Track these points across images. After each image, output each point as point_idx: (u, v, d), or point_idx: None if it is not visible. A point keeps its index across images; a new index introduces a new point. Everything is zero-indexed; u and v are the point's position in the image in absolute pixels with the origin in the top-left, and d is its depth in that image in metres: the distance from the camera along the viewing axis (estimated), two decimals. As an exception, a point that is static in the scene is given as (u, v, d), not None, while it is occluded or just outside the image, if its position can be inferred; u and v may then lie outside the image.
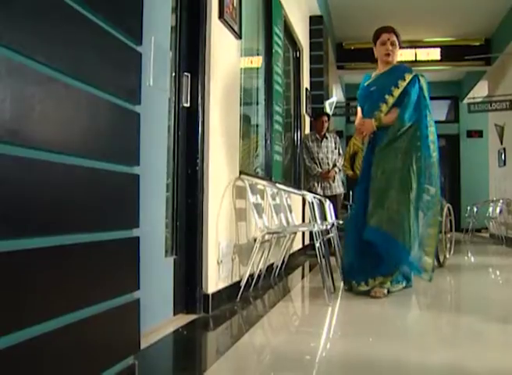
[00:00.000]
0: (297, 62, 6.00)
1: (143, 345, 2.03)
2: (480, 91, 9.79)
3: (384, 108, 3.30)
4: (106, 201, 1.44)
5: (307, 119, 6.31)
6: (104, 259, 1.42)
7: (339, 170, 5.98)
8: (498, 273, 4.89)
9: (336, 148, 5.96)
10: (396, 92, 3.27)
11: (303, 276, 4.48)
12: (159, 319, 2.35)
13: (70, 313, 1.25)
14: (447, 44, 8.82)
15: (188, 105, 2.65)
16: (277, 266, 4.04)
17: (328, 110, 6.81)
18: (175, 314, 2.52)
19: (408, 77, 3.30)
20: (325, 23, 6.72)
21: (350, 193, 8.91)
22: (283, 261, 4.31)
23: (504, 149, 8.83)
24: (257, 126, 4.35)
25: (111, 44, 1.43)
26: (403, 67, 3.47)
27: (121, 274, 1.50)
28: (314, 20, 6.54)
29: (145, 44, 2.21)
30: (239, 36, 3.23)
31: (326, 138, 5.96)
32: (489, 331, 2.46)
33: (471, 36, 8.67)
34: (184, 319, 2.53)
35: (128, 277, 1.54)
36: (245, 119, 4.11)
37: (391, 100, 3.28)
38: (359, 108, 3.55)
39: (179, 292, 2.56)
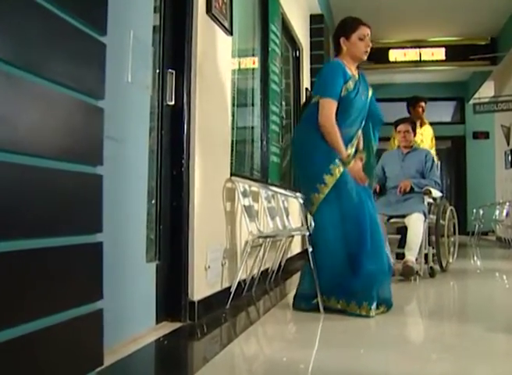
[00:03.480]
0: (297, 61, 5.88)
1: (119, 356, 1.92)
2: (486, 91, 9.61)
3: (373, 143, 3.05)
4: (65, 204, 1.32)
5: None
6: (63, 266, 1.31)
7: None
8: (504, 277, 4.73)
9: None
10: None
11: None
12: (140, 328, 2.23)
13: (19, 326, 1.14)
14: (452, 44, 8.66)
15: (173, 103, 2.54)
16: (273, 271, 3.92)
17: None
18: (158, 322, 2.40)
19: (370, 92, 3.04)
20: (326, 21, 6.60)
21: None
22: (280, 265, 4.19)
23: (511, 150, 8.66)
24: (252, 126, 4.23)
25: (69, 33, 1.32)
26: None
27: (82, 282, 1.38)
28: (315, 19, 6.42)
29: (123, 38, 2.11)
30: (229, 32, 3.11)
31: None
32: (494, 341, 2.30)
33: (476, 35, 8.51)
34: (168, 327, 2.41)
35: (90, 286, 1.42)
36: (239, 119, 4.00)
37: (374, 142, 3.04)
38: (334, 101, 2.79)
39: (163, 299, 2.44)
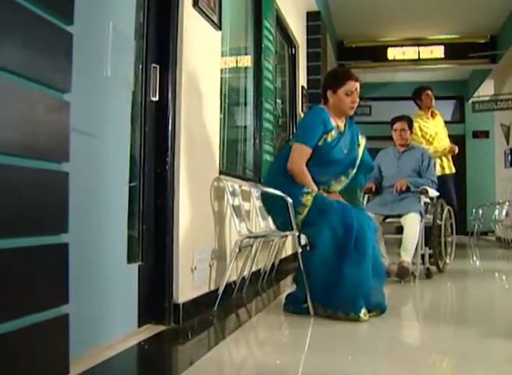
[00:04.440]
0: (293, 58, 5.79)
1: (93, 363, 1.84)
2: (486, 90, 9.52)
3: (360, 186, 3.03)
4: (26, 203, 1.24)
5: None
6: (23, 268, 1.23)
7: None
8: (504, 278, 4.64)
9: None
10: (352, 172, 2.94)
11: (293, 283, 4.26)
12: (120, 332, 2.15)
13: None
14: (451, 42, 8.57)
15: (157, 98, 2.46)
16: (265, 272, 3.84)
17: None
18: (140, 325, 2.32)
19: (362, 142, 2.99)
20: (323, 19, 6.51)
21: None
22: (273, 266, 4.11)
23: (511, 150, 8.57)
24: (245, 125, 4.15)
25: (28, 21, 1.24)
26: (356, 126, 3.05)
27: (45, 286, 1.30)
28: (312, 16, 6.33)
29: (102, 30, 2.03)
30: (218, 27, 3.03)
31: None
32: (492, 347, 2.20)
33: (475, 33, 8.41)
34: (150, 330, 2.33)
35: (54, 289, 1.34)
36: (231, 117, 3.92)
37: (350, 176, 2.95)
38: (308, 149, 2.76)
39: (146, 301, 2.36)
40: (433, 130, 5.07)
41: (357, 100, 2.89)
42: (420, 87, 5.27)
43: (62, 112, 1.36)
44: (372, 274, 2.59)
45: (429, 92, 5.13)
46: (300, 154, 2.77)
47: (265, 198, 2.96)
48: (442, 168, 5.14)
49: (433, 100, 5.15)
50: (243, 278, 3.33)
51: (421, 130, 5.04)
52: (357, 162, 2.92)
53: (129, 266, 2.26)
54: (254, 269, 3.60)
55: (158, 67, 2.46)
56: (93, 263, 1.97)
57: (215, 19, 2.95)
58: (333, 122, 2.86)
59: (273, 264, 4.07)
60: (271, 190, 2.80)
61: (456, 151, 5.22)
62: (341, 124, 2.91)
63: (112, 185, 2.11)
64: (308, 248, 2.65)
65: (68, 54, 1.37)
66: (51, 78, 1.31)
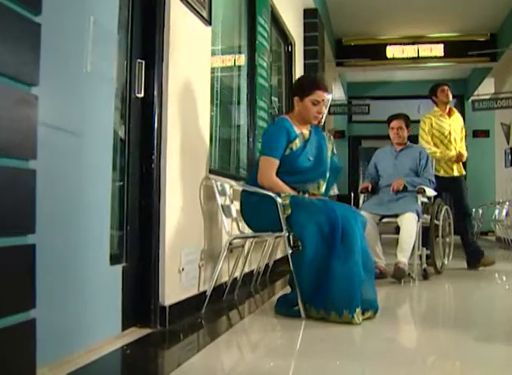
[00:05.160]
0: (289, 56, 5.72)
1: (73, 367, 1.77)
2: (486, 89, 9.44)
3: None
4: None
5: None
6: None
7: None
8: (504, 279, 4.56)
9: (329, 148, 5.65)
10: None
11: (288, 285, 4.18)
12: (102, 336, 2.08)
13: None
14: (451, 40, 8.50)
15: (142, 95, 2.39)
16: (258, 273, 3.76)
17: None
18: (124, 329, 2.24)
19: (330, 147, 2.99)
20: (320, 16, 6.44)
21: (352, 195, 8.65)
22: (267, 267, 4.04)
23: (511, 149, 8.49)
24: (238, 124, 4.08)
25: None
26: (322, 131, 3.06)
27: (9, 289, 1.23)
28: (309, 13, 6.26)
29: (81, 23, 1.97)
30: (208, 22, 2.96)
31: (319, 137, 5.65)
32: (492, 350, 2.12)
33: (475, 31, 8.34)
34: (135, 334, 2.26)
35: (19, 293, 1.27)
36: (223, 115, 3.85)
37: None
38: (274, 160, 2.78)
39: (130, 304, 2.28)
40: (446, 130, 4.87)
41: (324, 111, 2.89)
42: (436, 83, 5.08)
43: (29, 106, 1.29)
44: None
45: (445, 87, 4.92)
46: (268, 166, 2.78)
47: (248, 201, 2.89)
48: (452, 170, 4.97)
49: (450, 96, 4.93)
50: (235, 279, 3.26)
51: (432, 127, 4.86)
52: (328, 166, 2.92)
53: (112, 268, 2.18)
54: (247, 270, 3.53)
55: (143, 62, 2.39)
56: (73, 265, 1.90)
57: (205, 13, 2.88)
58: (297, 130, 2.87)
59: (267, 265, 4.00)
60: (260, 189, 2.74)
61: (464, 159, 5.03)
62: (306, 132, 2.91)
63: (93, 184, 2.03)
64: (298, 248, 2.58)
65: (35, 45, 1.30)
66: (16, 71, 1.24)
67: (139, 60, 2.38)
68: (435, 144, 4.88)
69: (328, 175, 2.94)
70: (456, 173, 5.02)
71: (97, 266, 2.06)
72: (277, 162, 2.78)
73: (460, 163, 5.07)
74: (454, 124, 4.96)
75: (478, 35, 8.40)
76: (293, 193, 2.77)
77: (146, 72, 2.40)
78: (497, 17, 7.84)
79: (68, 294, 1.86)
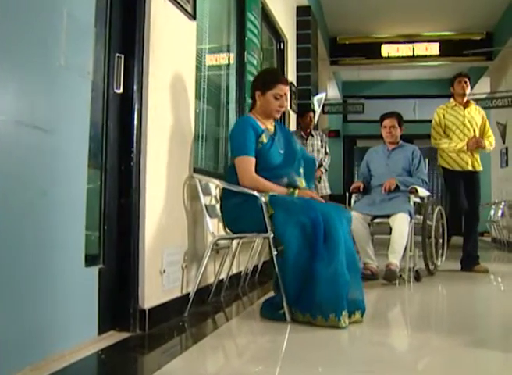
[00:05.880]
0: (281, 54, 5.64)
1: (43, 373, 1.69)
2: (482, 88, 9.38)
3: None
4: None
5: (293, 116, 5.94)
6: None
7: (326, 170, 5.61)
8: (499, 280, 4.49)
9: (322, 147, 5.58)
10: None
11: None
12: (76, 340, 2.00)
13: None
14: (447, 39, 8.44)
15: (121, 90, 2.30)
16: (246, 274, 3.68)
17: (316, 107, 6.44)
18: (101, 333, 2.16)
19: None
20: (313, 14, 6.36)
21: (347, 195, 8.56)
22: (256, 268, 3.96)
23: (507, 149, 8.43)
24: (227, 121, 3.99)
25: None
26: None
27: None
28: (302, 11, 6.18)
29: (53, 15, 1.89)
30: (193, 17, 2.87)
31: (312, 136, 5.59)
32: (486, 355, 2.04)
33: (471, 30, 8.28)
34: (112, 338, 2.17)
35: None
36: (211, 113, 3.77)
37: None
38: (250, 158, 2.74)
39: (108, 307, 2.20)
40: (458, 121, 4.69)
41: (286, 104, 2.87)
42: (457, 73, 4.88)
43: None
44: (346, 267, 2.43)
45: (462, 79, 4.75)
46: (246, 166, 2.73)
47: (229, 204, 2.82)
48: (466, 163, 4.71)
49: (466, 88, 4.73)
50: (221, 281, 3.18)
51: (444, 118, 4.71)
52: (300, 158, 2.92)
53: (88, 270, 2.10)
54: (234, 271, 3.46)
55: (122, 57, 2.31)
56: (44, 267, 1.82)
57: (189, 7, 2.80)
58: (262, 125, 2.86)
59: (256, 266, 3.92)
60: (246, 190, 2.67)
61: (483, 145, 4.67)
62: (270, 127, 2.91)
63: (66, 183, 1.95)
64: (282, 249, 2.50)
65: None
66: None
67: (118, 54, 2.29)
68: (448, 136, 4.72)
69: (302, 167, 2.93)
70: (470, 168, 4.71)
71: (70, 268, 1.98)
72: (253, 159, 2.74)
73: (477, 157, 4.76)
74: (470, 116, 4.75)
75: (474, 34, 8.34)
76: (278, 189, 2.71)
77: (125, 66, 2.32)
78: (493, 16, 7.78)
79: (38, 296, 1.78)
